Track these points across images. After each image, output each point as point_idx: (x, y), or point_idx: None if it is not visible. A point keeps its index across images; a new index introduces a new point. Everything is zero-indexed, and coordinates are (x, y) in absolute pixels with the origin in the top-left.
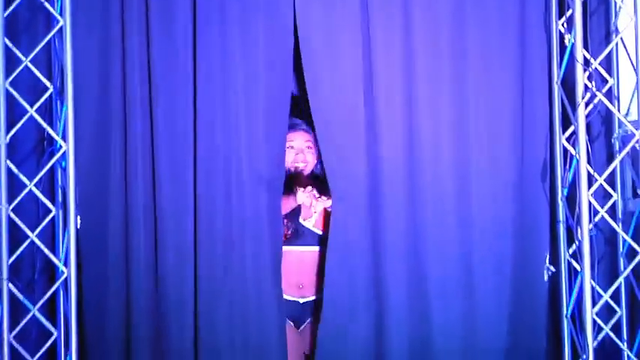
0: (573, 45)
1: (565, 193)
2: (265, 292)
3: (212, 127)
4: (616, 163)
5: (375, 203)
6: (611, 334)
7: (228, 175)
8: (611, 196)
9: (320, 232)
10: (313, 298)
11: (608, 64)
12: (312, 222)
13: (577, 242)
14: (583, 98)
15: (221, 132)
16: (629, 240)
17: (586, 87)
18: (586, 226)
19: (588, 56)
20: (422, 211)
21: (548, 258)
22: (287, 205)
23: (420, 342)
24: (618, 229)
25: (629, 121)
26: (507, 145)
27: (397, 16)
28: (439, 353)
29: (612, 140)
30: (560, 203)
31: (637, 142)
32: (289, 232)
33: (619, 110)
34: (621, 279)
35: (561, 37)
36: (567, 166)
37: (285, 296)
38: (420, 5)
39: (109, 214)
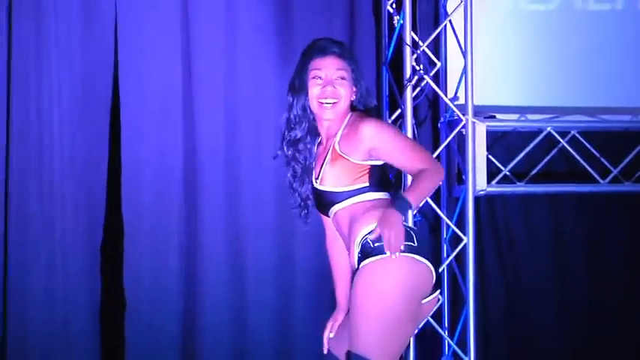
0: (402, 26)
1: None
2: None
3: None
4: (441, 148)
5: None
6: (433, 322)
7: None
8: None
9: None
10: None
11: (436, 47)
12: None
13: None
14: (410, 81)
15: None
16: (452, 226)
17: (414, 69)
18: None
19: (417, 38)
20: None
21: None
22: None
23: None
24: (442, 215)
25: (455, 105)
26: None
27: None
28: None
29: (439, 125)
30: None
31: (463, 127)
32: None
33: (446, 94)
34: (444, 266)
35: (390, 18)
36: None
37: None
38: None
39: None
